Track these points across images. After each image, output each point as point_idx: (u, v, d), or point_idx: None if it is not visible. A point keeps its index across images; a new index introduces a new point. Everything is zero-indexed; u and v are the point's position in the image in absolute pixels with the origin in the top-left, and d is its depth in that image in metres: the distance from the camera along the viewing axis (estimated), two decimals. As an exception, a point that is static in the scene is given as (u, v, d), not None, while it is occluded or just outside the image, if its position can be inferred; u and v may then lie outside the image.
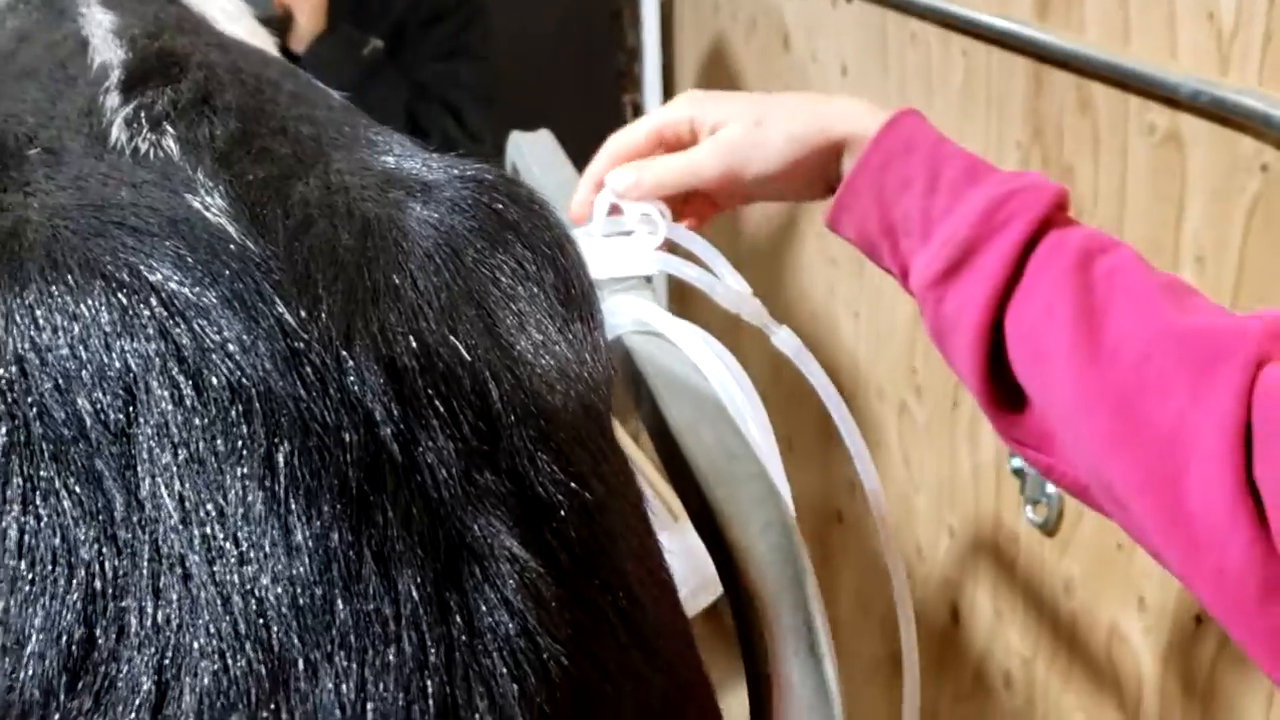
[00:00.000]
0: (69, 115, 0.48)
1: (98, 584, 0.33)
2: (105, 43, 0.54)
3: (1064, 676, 1.55)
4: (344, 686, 0.33)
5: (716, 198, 0.81)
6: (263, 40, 0.76)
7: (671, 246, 0.75)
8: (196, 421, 0.35)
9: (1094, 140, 1.33)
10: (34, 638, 0.33)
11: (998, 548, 1.64)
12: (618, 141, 0.81)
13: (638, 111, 2.90)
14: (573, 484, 0.39)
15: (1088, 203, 1.36)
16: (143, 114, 0.46)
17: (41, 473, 0.34)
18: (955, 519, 1.75)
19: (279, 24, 1.67)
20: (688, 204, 0.81)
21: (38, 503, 0.34)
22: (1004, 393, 0.68)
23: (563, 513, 0.38)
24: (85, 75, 0.51)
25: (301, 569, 0.34)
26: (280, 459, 0.35)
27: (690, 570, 0.64)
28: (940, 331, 0.70)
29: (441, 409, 0.37)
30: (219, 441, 0.35)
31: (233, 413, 0.35)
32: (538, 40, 2.65)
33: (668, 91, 2.74)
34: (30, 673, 0.33)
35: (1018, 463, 1.53)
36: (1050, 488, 1.48)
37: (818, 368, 0.72)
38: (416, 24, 1.87)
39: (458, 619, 0.35)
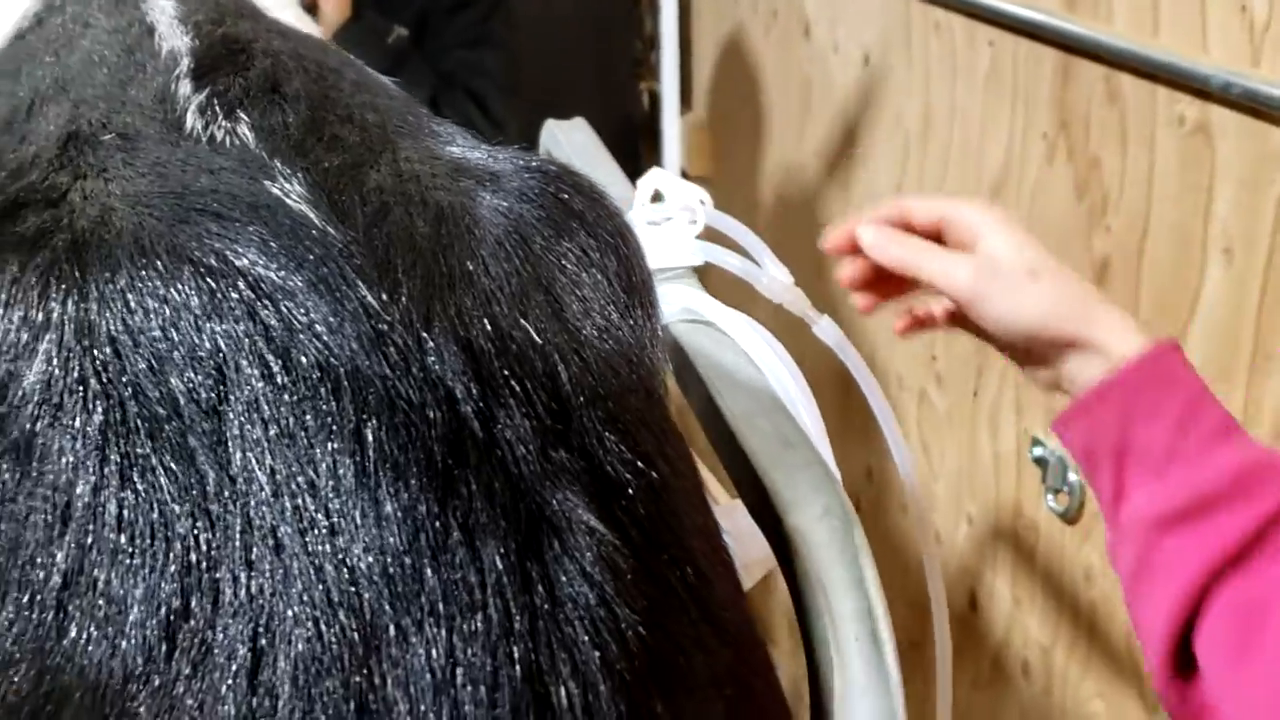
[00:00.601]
0: (141, 102, 0.49)
1: (193, 556, 0.34)
2: (171, 29, 0.55)
3: (1083, 665, 1.55)
4: (434, 651, 0.34)
5: (931, 305, 0.79)
6: (309, 27, 0.76)
7: (710, 234, 0.75)
8: (286, 399, 0.36)
9: (1121, 131, 1.33)
10: (134, 608, 0.34)
11: (1017, 536, 1.65)
12: (906, 201, 0.77)
13: (654, 99, 2.90)
14: (640, 463, 0.40)
15: (1115, 193, 1.36)
16: (216, 101, 0.47)
17: (138, 450, 0.35)
18: (975, 507, 1.75)
19: (305, 12, 1.67)
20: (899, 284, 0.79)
21: (135, 479, 0.35)
22: (1181, 656, 0.65)
23: (631, 490, 0.39)
24: (154, 62, 0.52)
25: (392, 539, 0.34)
26: (369, 434, 0.35)
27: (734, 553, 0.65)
28: (1141, 571, 0.67)
29: (517, 388, 0.38)
30: (309, 418, 0.36)
31: (322, 390, 0.36)
32: (555, 25, 2.65)
33: (685, 80, 2.74)
34: (131, 641, 0.34)
35: (1039, 452, 1.53)
36: (1072, 475, 1.49)
37: (858, 358, 0.72)
38: (441, 11, 1.87)
39: (540, 588, 0.36)
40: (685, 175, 2.83)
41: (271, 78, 0.50)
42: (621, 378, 0.42)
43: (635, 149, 2.88)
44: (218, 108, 0.47)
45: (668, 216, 0.76)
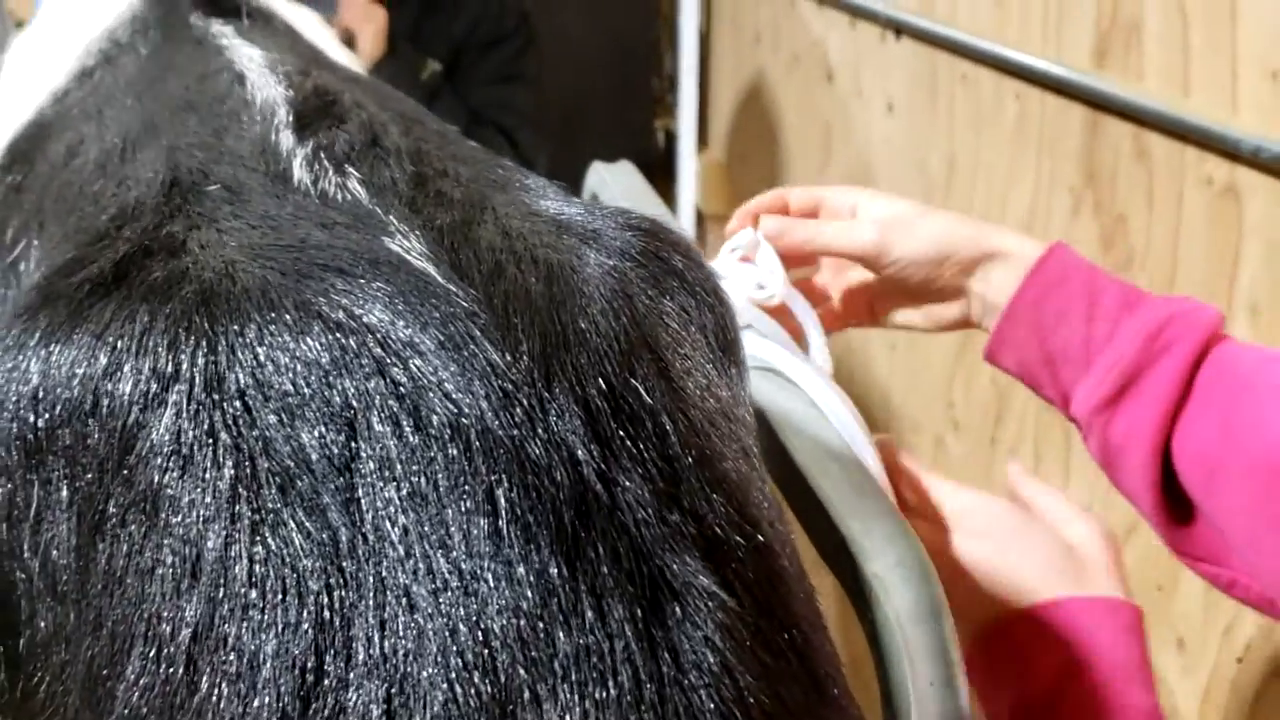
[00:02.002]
0: (241, 152, 0.49)
1: (326, 613, 0.34)
2: (263, 78, 0.55)
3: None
4: (568, 718, 0.33)
5: (847, 292, 0.83)
6: (356, 66, 0.77)
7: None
8: (418, 457, 0.35)
9: (1149, 189, 1.34)
10: (267, 664, 0.33)
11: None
12: (783, 191, 0.82)
13: (670, 137, 2.92)
14: (747, 525, 0.40)
15: (1140, 250, 1.36)
16: (323, 155, 0.47)
17: (268, 504, 0.35)
18: (988, 552, 1.75)
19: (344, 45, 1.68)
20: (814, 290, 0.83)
21: (266, 534, 0.35)
22: (1174, 509, 0.69)
23: (740, 554, 0.39)
24: (249, 111, 0.52)
25: (525, 602, 0.34)
26: (500, 495, 0.35)
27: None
28: (1108, 454, 0.72)
29: (633, 449, 0.38)
30: (440, 477, 0.35)
31: (453, 450, 0.36)
32: (575, 61, 2.67)
33: (702, 120, 2.76)
34: (264, 700, 0.33)
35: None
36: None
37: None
38: (475, 47, 1.88)
39: (665, 655, 0.35)
40: (700, 214, 2.84)
41: (370, 131, 0.50)
42: (723, 436, 0.42)
43: (651, 186, 2.89)
44: (325, 161, 0.47)
45: (759, 284, 0.76)
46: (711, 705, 0.35)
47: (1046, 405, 0.79)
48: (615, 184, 0.97)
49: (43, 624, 0.38)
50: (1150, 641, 1.39)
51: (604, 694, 0.34)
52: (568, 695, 0.33)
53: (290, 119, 0.50)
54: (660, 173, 2.90)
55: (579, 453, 0.37)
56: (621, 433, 0.38)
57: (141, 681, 0.34)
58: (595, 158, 1.02)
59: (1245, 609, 0.81)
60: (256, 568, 0.34)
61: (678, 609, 0.36)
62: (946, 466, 1.82)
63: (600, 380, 0.39)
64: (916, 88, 1.82)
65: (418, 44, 1.82)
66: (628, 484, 0.37)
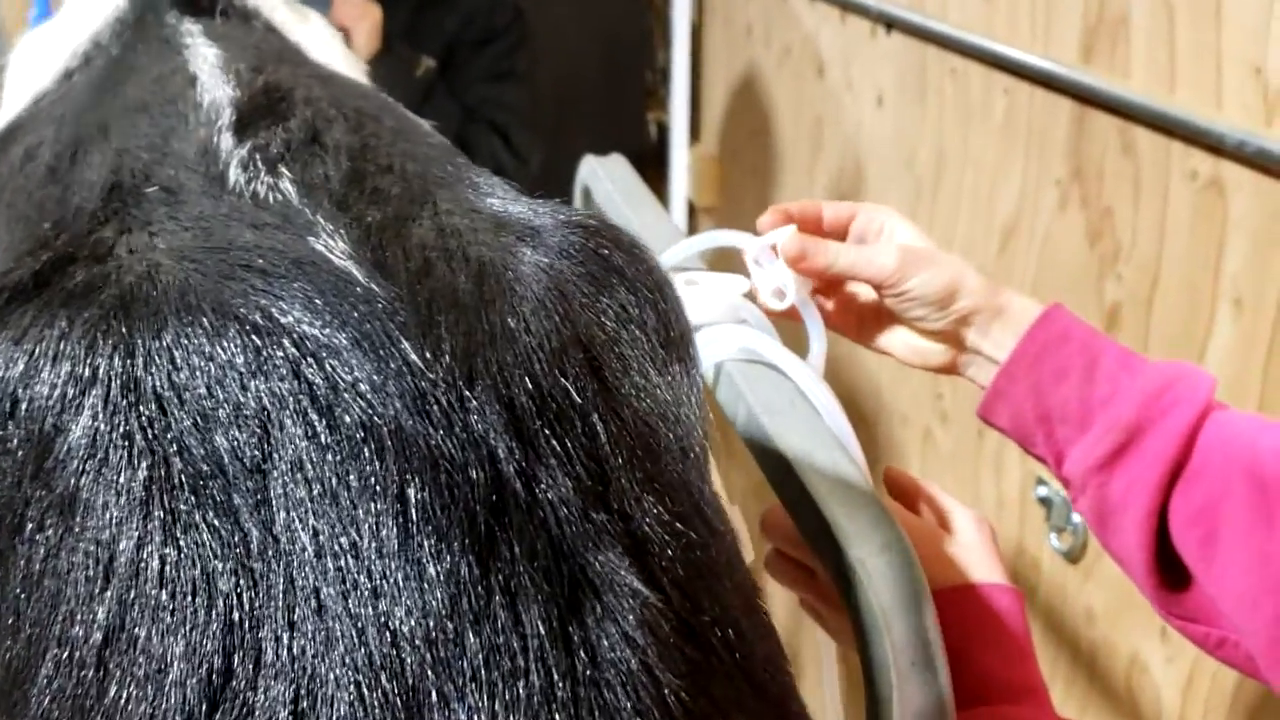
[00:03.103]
0: (184, 154, 0.48)
1: (235, 614, 0.34)
2: (213, 79, 0.55)
3: (1082, 705, 1.54)
4: (476, 719, 0.33)
5: (843, 302, 0.83)
6: (353, 67, 0.76)
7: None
8: (329, 458, 0.35)
9: (1135, 183, 1.33)
10: (175, 665, 0.33)
11: (1020, 575, 1.64)
12: (820, 203, 0.82)
13: (662, 130, 2.91)
14: (678, 524, 0.39)
15: (1127, 243, 1.35)
16: (258, 156, 0.47)
17: (181, 506, 0.35)
18: (977, 546, 1.74)
19: (336, 42, 1.67)
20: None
21: (178, 535, 0.35)
22: (1165, 572, 0.69)
23: (670, 551, 0.39)
24: (196, 114, 0.52)
25: (434, 602, 0.34)
26: (412, 494, 0.35)
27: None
28: (1103, 514, 0.71)
29: (558, 448, 0.38)
30: (352, 477, 0.35)
31: (365, 450, 0.35)
32: (567, 54, 2.66)
33: (694, 113, 2.75)
34: (171, 701, 0.33)
35: (1043, 491, 1.53)
36: (1076, 516, 1.48)
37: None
38: (468, 44, 1.87)
39: (581, 653, 0.35)
40: (692, 206, 2.83)
41: (312, 128, 0.50)
42: (658, 436, 0.42)
43: (643, 179, 2.88)
44: (259, 162, 0.46)
45: (778, 289, 0.77)
46: (628, 704, 0.34)
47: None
48: (607, 177, 0.97)
49: None
50: (1137, 632, 1.39)
51: (514, 694, 0.33)
52: (476, 696, 0.33)
53: (232, 120, 0.50)
54: (653, 165, 2.89)
55: (499, 451, 0.36)
56: (547, 431, 0.38)
57: (54, 684, 0.34)
58: (588, 150, 1.02)
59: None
60: (168, 569, 0.34)
61: (598, 606, 0.36)
62: (935, 459, 1.81)
63: (527, 379, 0.38)
64: (906, 82, 1.81)
65: (412, 41, 1.81)
66: (550, 482, 0.37)
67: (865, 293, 0.82)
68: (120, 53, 0.63)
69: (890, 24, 1.84)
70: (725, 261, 0.83)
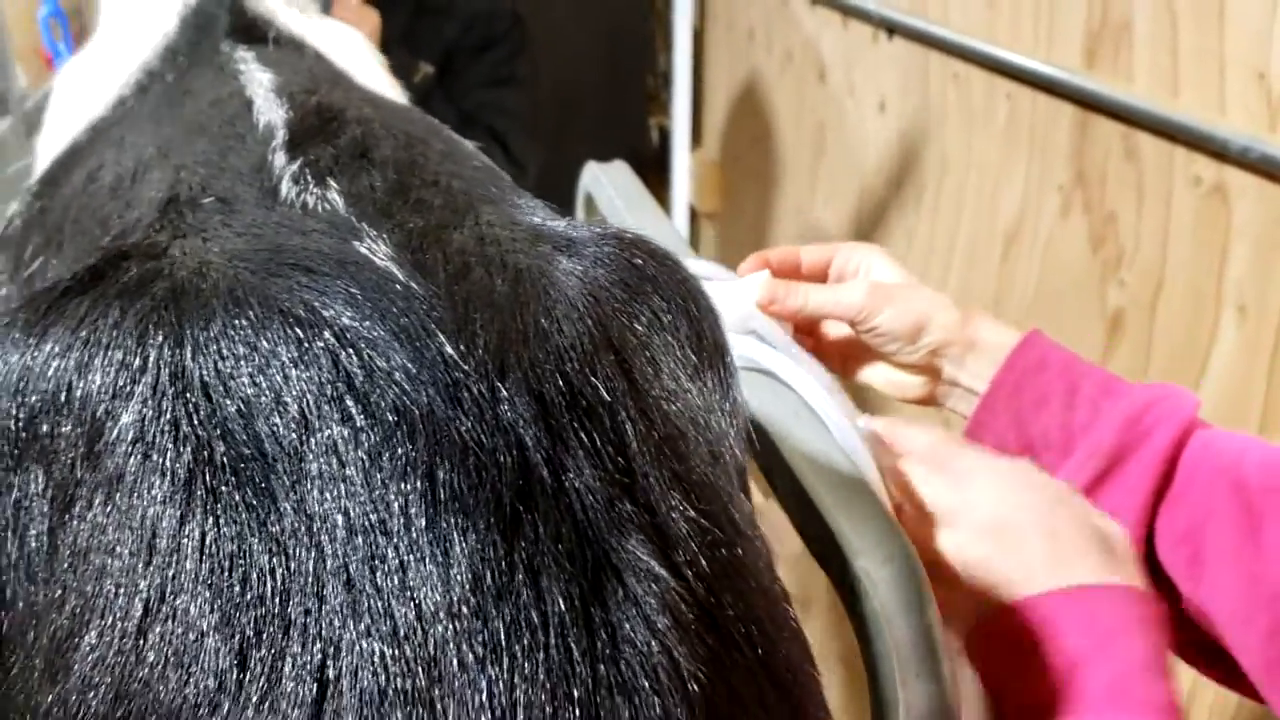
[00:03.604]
0: (240, 170, 0.51)
1: (268, 586, 0.36)
2: (268, 102, 0.58)
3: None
4: (495, 689, 0.34)
5: (826, 340, 0.84)
6: (395, 92, 0.79)
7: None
8: (364, 441, 0.37)
9: (1138, 188, 1.34)
10: (210, 634, 0.35)
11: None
12: (797, 250, 0.84)
13: (664, 135, 2.92)
14: (703, 520, 0.41)
15: (1130, 248, 1.37)
16: (308, 170, 0.49)
17: (222, 487, 0.37)
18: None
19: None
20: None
21: (218, 513, 0.37)
22: (1157, 593, 0.68)
23: (694, 545, 0.40)
24: (253, 134, 0.55)
25: (459, 577, 0.35)
26: (440, 475, 0.37)
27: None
28: None
29: (585, 441, 0.39)
30: (384, 459, 0.37)
31: (398, 434, 0.37)
32: (568, 56, 2.67)
33: (696, 118, 2.76)
34: (204, 666, 0.35)
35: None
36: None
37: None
38: (467, 51, 1.88)
39: (602, 633, 0.36)
40: (694, 211, 2.84)
41: (361, 144, 0.52)
42: (688, 439, 0.43)
43: (644, 183, 2.89)
44: (309, 176, 0.49)
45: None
46: (646, 683, 0.36)
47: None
48: (610, 184, 0.98)
49: (20, 605, 0.39)
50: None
51: (533, 666, 0.35)
52: (495, 668, 0.34)
53: (285, 139, 0.52)
54: (654, 170, 2.90)
55: (527, 439, 0.38)
56: (575, 425, 0.39)
57: (96, 652, 0.36)
58: (590, 155, 1.03)
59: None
60: (207, 545, 0.36)
61: (620, 589, 0.37)
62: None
63: (558, 376, 0.40)
64: (908, 87, 1.82)
65: (410, 47, 1.82)
66: (577, 471, 0.38)
67: (843, 329, 0.83)
68: (175, 79, 0.66)
69: (892, 29, 1.86)
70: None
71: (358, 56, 0.79)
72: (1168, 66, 1.28)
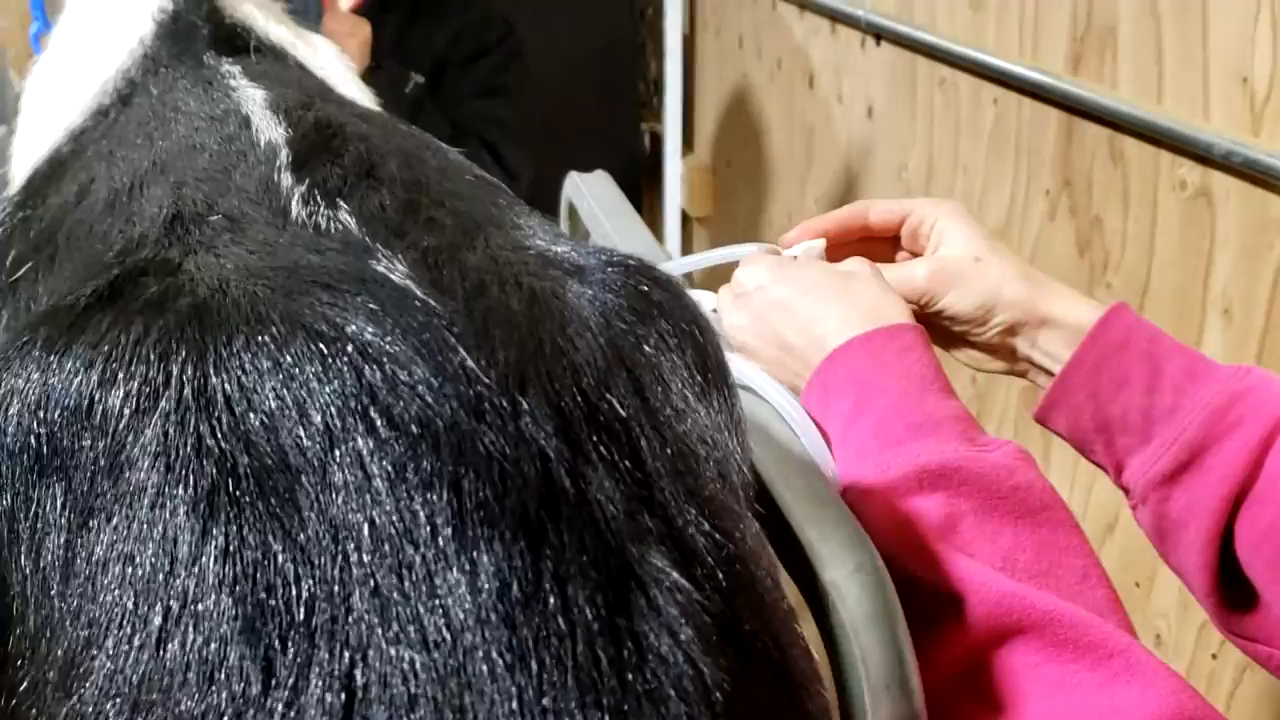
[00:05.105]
0: (247, 189, 0.51)
1: (293, 594, 0.36)
2: (265, 120, 0.58)
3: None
4: (525, 698, 0.35)
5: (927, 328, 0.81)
6: (368, 99, 0.79)
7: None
8: (388, 452, 0.37)
9: (1124, 192, 1.36)
10: (233, 641, 0.35)
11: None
12: (865, 207, 0.81)
13: (656, 141, 2.93)
14: (719, 535, 0.41)
15: (1116, 252, 1.38)
16: (317, 192, 0.49)
17: (245, 498, 0.37)
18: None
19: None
20: None
21: (241, 523, 0.37)
22: (1229, 591, 0.67)
23: (712, 560, 0.40)
24: (254, 152, 0.55)
25: (486, 584, 0.36)
26: (466, 485, 0.37)
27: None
28: (1162, 530, 0.69)
29: (604, 453, 0.40)
30: (409, 471, 0.37)
31: (422, 445, 0.37)
32: (560, 64, 2.68)
33: (687, 123, 2.77)
34: (228, 675, 0.35)
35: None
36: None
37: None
38: (458, 61, 1.88)
39: (628, 641, 0.36)
40: (686, 216, 2.86)
41: (366, 162, 0.52)
42: (698, 457, 0.43)
43: (637, 188, 2.91)
44: (319, 197, 0.49)
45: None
46: (672, 692, 0.36)
47: (1026, 404, 0.79)
48: (590, 193, 0.99)
49: (32, 619, 0.39)
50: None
51: (561, 673, 0.35)
52: (523, 677, 0.35)
53: (289, 159, 0.52)
54: (647, 176, 2.91)
55: (549, 451, 0.38)
56: (594, 438, 0.40)
57: (112, 663, 0.36)
58: (583, 161, 1.04)
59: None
60: (230, 554, 0.36)
61: (643, 600, 0.37)
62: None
63: (575, 391, 0.40)
64: (896, 92, 1.84)
65: (400, 58, 1.82)
66: (597, 482, 0.39)
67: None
68: (161, 93, 0.65)
69: (880, 35, 1.87)
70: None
71: (332, 65, 0.78)
72: (1152, 71, 1.30)
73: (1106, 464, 0.73)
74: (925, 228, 0.78)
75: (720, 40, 2.63)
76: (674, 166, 2.66)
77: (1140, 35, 1.31)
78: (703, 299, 0.77)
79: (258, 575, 0.36)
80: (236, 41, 0.71)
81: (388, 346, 0.39)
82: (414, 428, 0.38)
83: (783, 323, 0.71)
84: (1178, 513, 0.68)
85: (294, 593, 0.36)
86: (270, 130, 0.56)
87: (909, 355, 0.66)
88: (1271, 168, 1.14)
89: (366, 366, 0.39)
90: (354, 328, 0.39)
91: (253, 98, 0.60)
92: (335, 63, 0.80)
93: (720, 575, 0.40)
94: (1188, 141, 1.23)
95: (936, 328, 0.77)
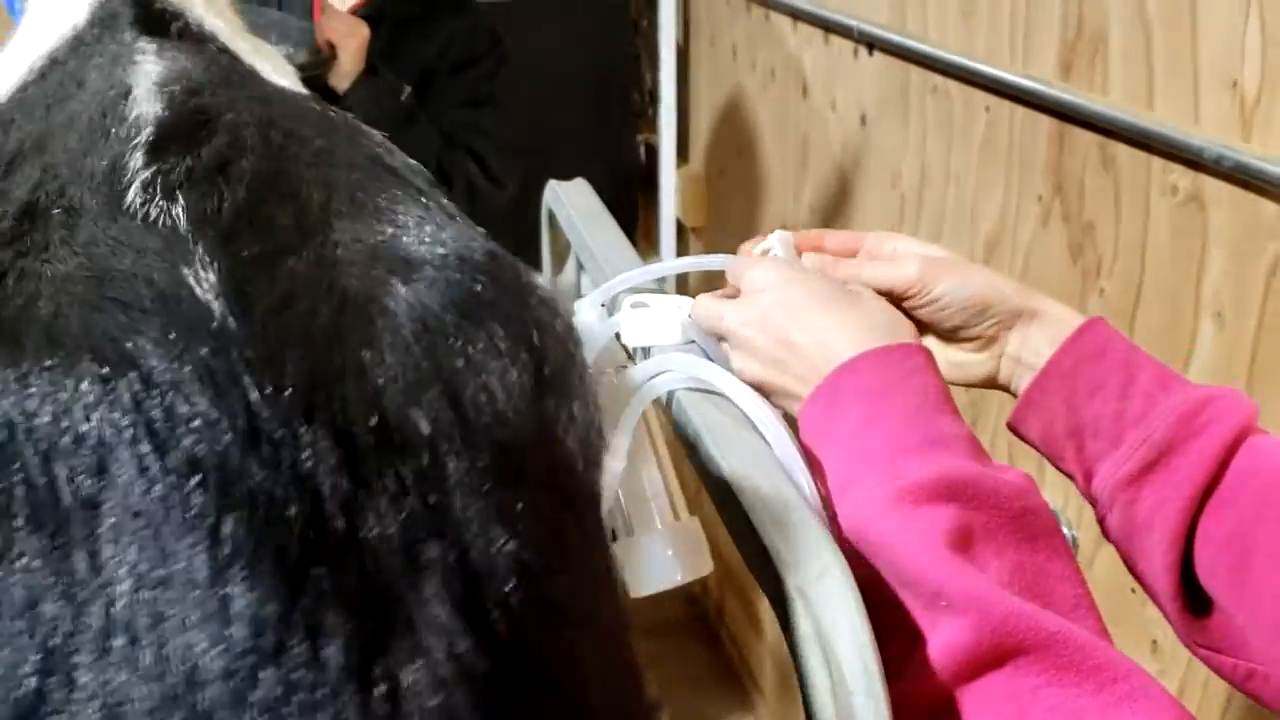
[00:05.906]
0: (94, 172, 0.48)
1: (55, 640, 0.35)
2: (147, 95, 0.54)
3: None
4: None
5: None
6: (306, 97, 0.75)
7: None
8: (156, 491, 0.36)
9: (1115, 198, 1.34)
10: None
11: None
12: (822, 231, 0.81)
13: (650, 150, 2.93)
14: (524, 555, 0.39)
15: (1108, 258, 1.37)
16: (159, 180, 0.47)
17: (17, 535, 0.36)
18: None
19: (323, 63, 1.68)
20: None
21: (12, 562, 0.35)
22: (1191, 597, 0.67)
23: (507, 586, 0.38)
24: (119, 128, 0.52)
25: (236, 637, 0.34)
26: (226, 530, 0.35)
27: (688, 552, 0.69)
28: (1129, 535, 0.69)
29: (392, 485, 0.38)
30: (174, 512, 0.36)
31: (189, 484, 0.36)
32: (554, 75, 2.67)
33: (682, 134, 2.77)
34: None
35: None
36: (1065, 528, 1.49)
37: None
38: (444, 71, 1.88)
39: (383, 685, 0.35)
40: (680, 226, 2.85)
41: (224, 156, 0.49)
42: (518, 469, 0.41)
43: (632, 198, 2.90)
44: (159, 186, 0.46)
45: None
46: None
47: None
48: (568, 202, 0.98)
49: None
50: (1125, 644, 1.40)
51: None
52: None
53: (149, 139, 0.50)
54: (642, 185, 2.90)
55: (324, 488, 0.37)
56: (385, 466, 0.38)
57: None
58: (579, 173, 1.03)
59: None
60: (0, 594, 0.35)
61: (406, 645, 0.36)
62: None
63: (373, 415, 0.38)
64: (888, 101, 1.83)
65: (390, 65, 1.82)
66: (377, 519, 0.37)
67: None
68: (75, 68, 0.62)
69: (872, 44, 1.86)
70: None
71: (275, 62, 0.75)
72: (1142, 77, 1.29)
73: (1076, 472, 0.72)
74: (885, 248, 0.79)
75: (714, 51, 2.62)
76: (668, 176, 2.65)
77: (1130, 41, 1.30)
78: (679, 304, 0.77)
79: (25, 616, 0.35)
80: (160, 24, 0.67)
81: (173, 375, 0.37)
82: (184, 466, 0.36)
83: (792, 325, 0.70)
84: (1144, 514, 0.67)
85: (56, 639, 0.35)
86: (146, 105, 0.53)
87: (922, 375, 0.66)
88: (1262, 171, 1.12)
89: (148, 396, 0.37)
90: (142, 354, 0.38)
91: (147, 73, 0.57)
92: (280, 62, 0.77)
93: (515, 599, 0.38)
94: (1178, 146, 1.22)
95: (923, 328, 0.77)
